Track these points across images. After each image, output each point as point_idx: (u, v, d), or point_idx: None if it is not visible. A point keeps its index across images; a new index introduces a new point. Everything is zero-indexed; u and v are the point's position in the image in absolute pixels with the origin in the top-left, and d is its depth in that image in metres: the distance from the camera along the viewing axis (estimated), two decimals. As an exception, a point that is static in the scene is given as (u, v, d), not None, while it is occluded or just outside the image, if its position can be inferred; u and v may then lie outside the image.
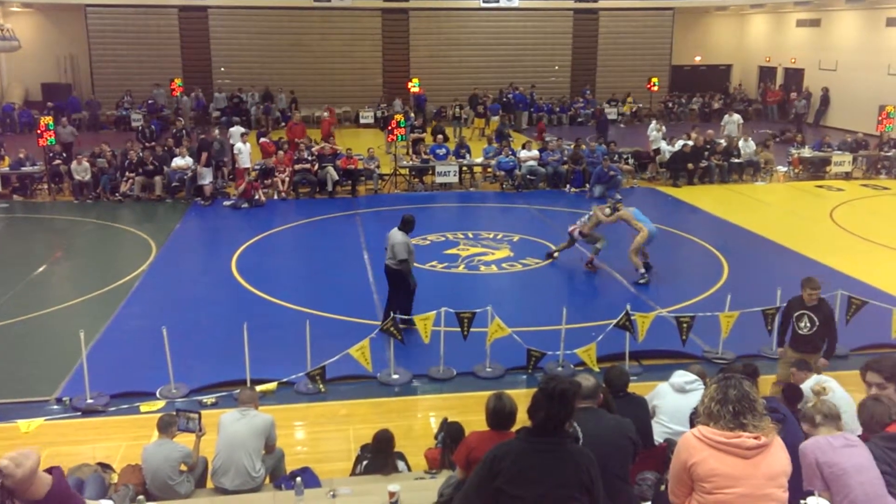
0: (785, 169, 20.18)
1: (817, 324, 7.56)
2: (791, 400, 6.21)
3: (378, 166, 18.59)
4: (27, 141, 20.24)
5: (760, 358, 9.04)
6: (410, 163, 19.13)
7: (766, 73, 32.78)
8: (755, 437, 3.39)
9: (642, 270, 11.77)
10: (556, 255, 12.92)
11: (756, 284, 11.25)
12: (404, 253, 9.75)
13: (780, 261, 13.12)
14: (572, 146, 19.56)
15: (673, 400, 6.12)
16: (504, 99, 28.22)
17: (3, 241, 14.61)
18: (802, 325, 7.61)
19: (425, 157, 19.11)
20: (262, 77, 29.72)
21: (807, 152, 20.31)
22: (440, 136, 20.43)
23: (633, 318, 8.68)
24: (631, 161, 19.75)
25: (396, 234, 9.87)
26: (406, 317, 9.21)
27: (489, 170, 19.30)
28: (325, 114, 23.75)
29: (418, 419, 8.11)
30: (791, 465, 3.53)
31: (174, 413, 6.27)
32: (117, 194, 17.26)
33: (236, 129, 19.49)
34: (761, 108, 31.32)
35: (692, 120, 30.11)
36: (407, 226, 9.97)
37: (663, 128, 21.27)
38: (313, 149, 18.64)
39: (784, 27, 31.51)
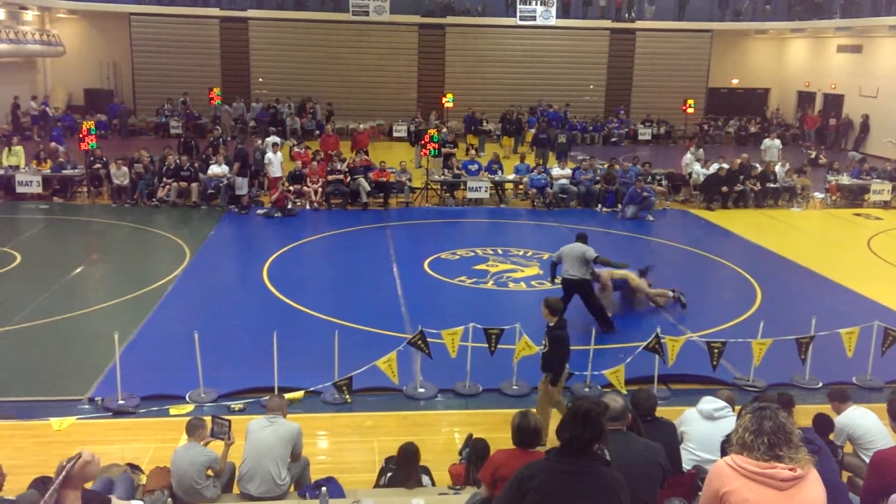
0: (822, 196, 19.91)
1: (546, 345, 7.65)
2: (822, 430, 6.12)
3: (410, 179, 18.70)
4: (69, 144, 20.65)
5: (792, 387, 8.90)
6: (442, 177, 19.21)
7: (805, 99, 32.45)
8: (790, 469, 3.31)
9: (668, 294, 11.68)
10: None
11: (790, 312, 11.12)
12: (593, 252, 10.22)
13: (814, 288, 12.94)
14: (605, 166, 19.50)
15: (701, 427, 6.04)
16: (538, 115, 28.24)
17: (42, 242, 14.90)
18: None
19: (457, 171, 19.17)
20: (298, 88, 30.10)
21: (845, 179, 20.04)
22: (472, 151, 20.54)
23: (663, 341, 8.60)
24: (664, 183, 19.63)
25: (578, 245, 10.31)
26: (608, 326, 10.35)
27: (521, 187, 19.30)
28: (361, 126, 23.84)
29: (443, 434, 8.09)
30: (826, 499, 3.46)
31: (202, 417, 6.34)
32: (154, 199, 17.54)
33: (271, 139, 19.74)
34: (799, 133, 30.99)
35: (728, 143, 29.88)
36: (584, 240, 10.46)
37: (701, 151, 21.06)
38: (346, 162, 18.80)
39: (824, 52, 31.19)
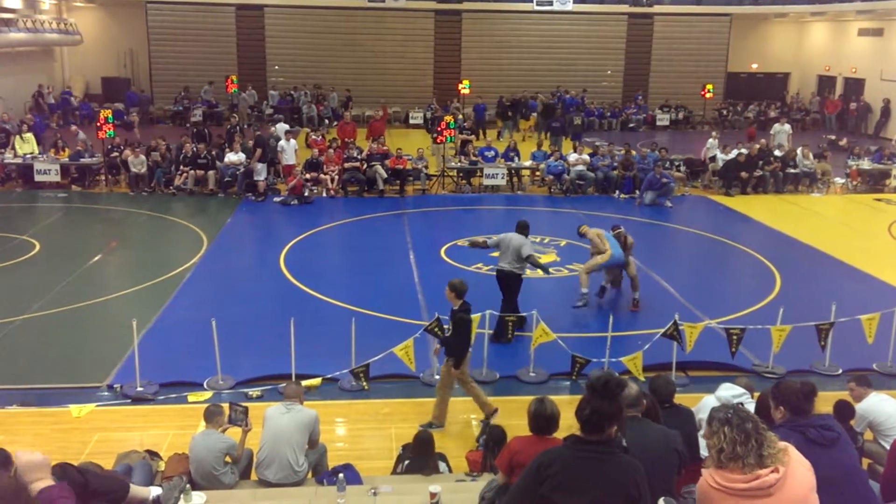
0: (842, 181, 19.68)
1: (448, 329, 7.56)
2: (843, 417, 6.06)
3: (426, 166, 18.66)
4: (87, 132, 20.74)
5: (812, 373, 8.82)
6: (458, 164, 19.15)
7: (826, 83, 32.01)
8: (773, 471, 3.26)
9: (585, 291, 10.82)
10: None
11: (809, 298, 11.01)
12: (530, 249, 9.75)
13: (835, 275, 12.80)
14: (623, 152, 19.35)
15: (720, 414, 6.00)
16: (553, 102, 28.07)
17: (61, 230, 15.01)
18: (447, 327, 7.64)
19: (474, 158, 19.11)
20: (315, 76, 30.08)
21: (866, 164, 19.79)
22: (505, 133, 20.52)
23: (681, 327, 8.55)
24: (683, 168, 19.46)
25: (517, 237, 9.79)
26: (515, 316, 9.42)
27: (538, 173, 19.21)
28: (380, 113, 23.74)
29: (460, 420, 8.08)
30: (814, 478, 3.41)
31: (220, 404, 6.37)
32: (171, 187, 17.62)
33: (281, 126, 19.73)
34: (819, 118, 30.62)
35: (748, 128, 29.55)
36: (524, 231, 9.93)
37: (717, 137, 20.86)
38: (365, 152, 18.77)
39: (845, 36, 30.72)
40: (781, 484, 3.26)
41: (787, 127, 22.83)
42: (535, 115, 27.09)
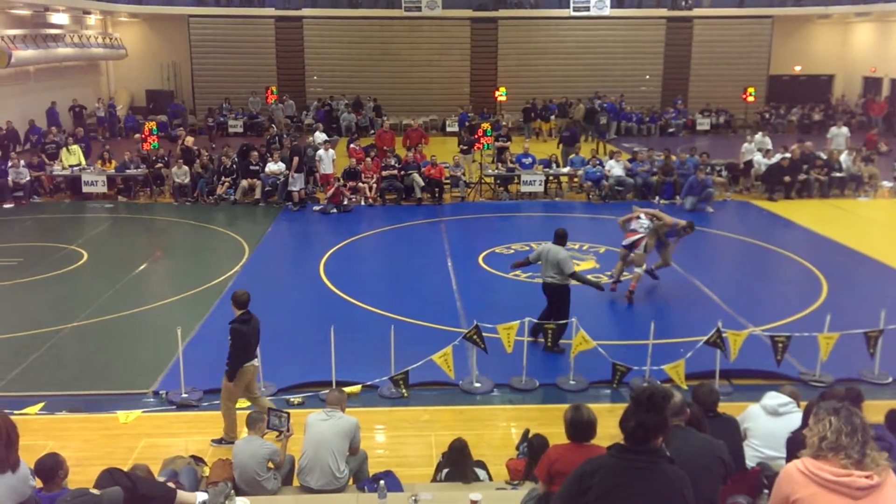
0: (890, 184, 19.19)
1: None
2: (895, 427, 5.89)
3: (463, 174, 18.68)
4: (132, 145, 21.22)
5: (860, 382, 8.59)
6: (496, 171, 19.13)
7: (871, 85, 31.30)
8: (867, 477, 3.13)
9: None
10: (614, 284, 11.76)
11: (857, 304, 10.75)
12: (571, 265, 9.58)
13: (883, 280, 12.48)
14: (662, 157, 19.15)
15: (765, 423, 5.89)
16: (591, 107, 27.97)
17: (107, 240, 15.34)
18: None
19: (511, 165, 19.08)
20: (352, 85, 30.35)
21: (915, 167, 19.30)
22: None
23: (724, 335, 8.42)
24: (724, 173, 19.18)
25: (558, 250, 9.60)
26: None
27: (576, 180, 19.10)
28: (415, 122, 23.78)
29: (499, 428, 8.06)
30: None
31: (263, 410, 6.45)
32: (213, 197, 17.90)
33: (319, 136, 19.91)
34: (864, 121, 29.93)
35: (791, 132, 29.03)
36: (562, 240, 9.75)
37: (767, 140, 20.42)
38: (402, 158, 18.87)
39: (891, 36, 30.02)
40: (872, 494, 3.14)
41: (845, 130, 22.26)
42: (553, 118, 28.15)
